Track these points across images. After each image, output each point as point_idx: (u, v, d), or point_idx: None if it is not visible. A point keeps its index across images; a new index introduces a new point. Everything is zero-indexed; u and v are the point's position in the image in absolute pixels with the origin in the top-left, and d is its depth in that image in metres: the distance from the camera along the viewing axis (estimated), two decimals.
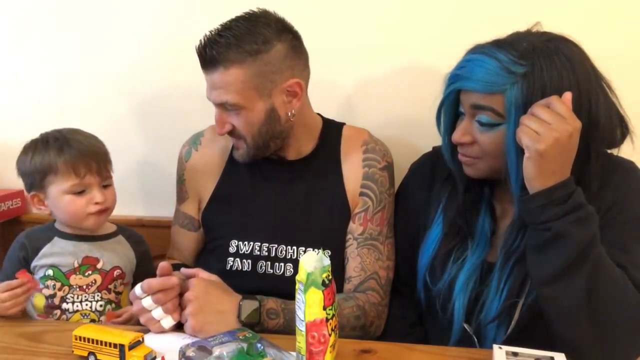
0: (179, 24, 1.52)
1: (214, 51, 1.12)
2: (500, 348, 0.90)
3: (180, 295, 1.06)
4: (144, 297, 1.04)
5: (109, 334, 0.95)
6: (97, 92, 1.59)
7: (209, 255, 1.30)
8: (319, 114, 1.33)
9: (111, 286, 1.21)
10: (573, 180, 0.93)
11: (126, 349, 0.92)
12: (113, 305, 1.21)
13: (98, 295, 1.20)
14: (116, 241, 1.26)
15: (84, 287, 1.19)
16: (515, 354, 0.89)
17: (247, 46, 1.12)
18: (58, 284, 1.18)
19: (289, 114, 1.20)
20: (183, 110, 1.56)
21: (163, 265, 1.06)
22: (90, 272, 1.20)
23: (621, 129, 1.03)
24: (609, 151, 1.06)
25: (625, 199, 1.02)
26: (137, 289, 1.04)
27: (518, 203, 0.99)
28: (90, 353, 0.95)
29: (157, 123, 1.60)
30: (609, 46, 1.19)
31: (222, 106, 1.18)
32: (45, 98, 1.61)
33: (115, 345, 0.93)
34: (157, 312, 1.04)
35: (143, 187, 1.65)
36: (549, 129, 0.90)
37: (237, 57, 1.12)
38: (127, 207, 1.61)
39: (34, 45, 1.59)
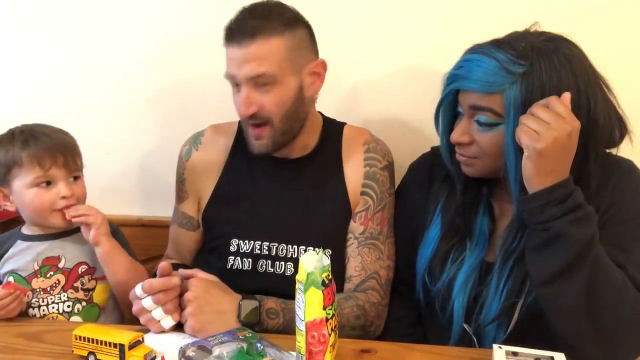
0: (179, 24, 1.52)
1: (256, 21, 1.11)
2: (500, 348, 0.90)
3: (180, 295, 1.06)
4: (144, 298, 1.04)
5: (109, 334, 0.95)
6: (97, 92, 1.59)
7: (210, 255, 1.30)
8: (320, 112, 1.32)
9: (77, 284, 1.18)
10: (572, 180, 0.93)
11: (126, 349, 0.93)
12: (83, 303, 1.18)
13: (64, 296, 1.17)
14: (81, 235, 1.20)
15: (48, 289, 1.16)
16: (515, 354, 0.89)
17: (281, 20, 1.13)
18: None
19: (313, 97, 1.22)
20: (183, 110, 1.56)
21: (163, 265, 1.06)
22: (52, 272, 1.17)
23: (620, 129, 1.03)
24: (607, 151, 1.06)
25: (624, 199, 1.02)
26: (138, 289, 1.04)
27: (517, 203, 0.99)
28: (90, 353, 0.95)
29: (157, 123, 1.60)
30: (608, 46, 1.19)
31: (253, 82, 1.14)
32: (45, 98, 1.61)
33: (115, 345, 0.93)
34: (158, 313, 1.04)
35: (143, 187, 1.64)
36: (548, 129, 0.90)
37: (277, 28, 1.12)
38: (127, 207, 1.62)
39: (34, 45, 1.59)
